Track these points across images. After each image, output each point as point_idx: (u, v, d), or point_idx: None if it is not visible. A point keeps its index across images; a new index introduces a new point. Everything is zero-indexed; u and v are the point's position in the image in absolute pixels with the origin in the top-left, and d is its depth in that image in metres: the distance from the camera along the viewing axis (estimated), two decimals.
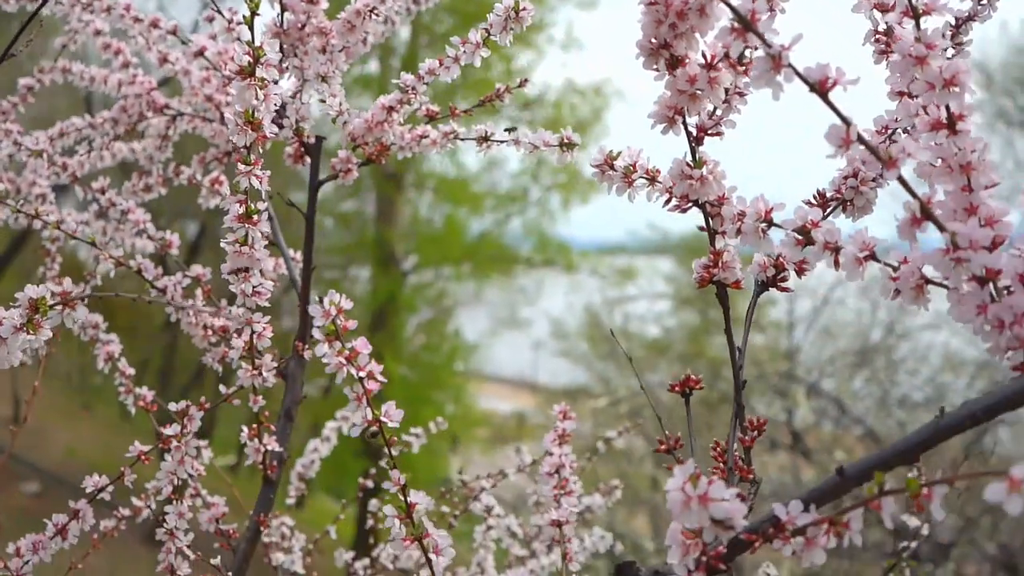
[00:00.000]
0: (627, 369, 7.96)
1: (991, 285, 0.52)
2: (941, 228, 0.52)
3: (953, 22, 0.74)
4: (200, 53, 1.08)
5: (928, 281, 0.54)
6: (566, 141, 0.85)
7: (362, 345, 0.63)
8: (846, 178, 0.69)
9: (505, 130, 0.93)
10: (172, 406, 0.89)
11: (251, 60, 0.71)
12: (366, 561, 1.34)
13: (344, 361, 0.63)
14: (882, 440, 6.11)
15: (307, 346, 0.95)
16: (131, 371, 1.11)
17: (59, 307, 0.65)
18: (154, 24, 1.11)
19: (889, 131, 0.69)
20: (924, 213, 0.52)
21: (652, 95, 0.63)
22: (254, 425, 0.97)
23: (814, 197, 0.70)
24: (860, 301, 7.16)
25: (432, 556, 0.65)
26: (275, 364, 0.92)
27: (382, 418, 0.64)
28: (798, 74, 0.50)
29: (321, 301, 0.62)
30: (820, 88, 0.51)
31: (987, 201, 0.54)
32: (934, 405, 6.68)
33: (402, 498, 0.65)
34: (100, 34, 1.20)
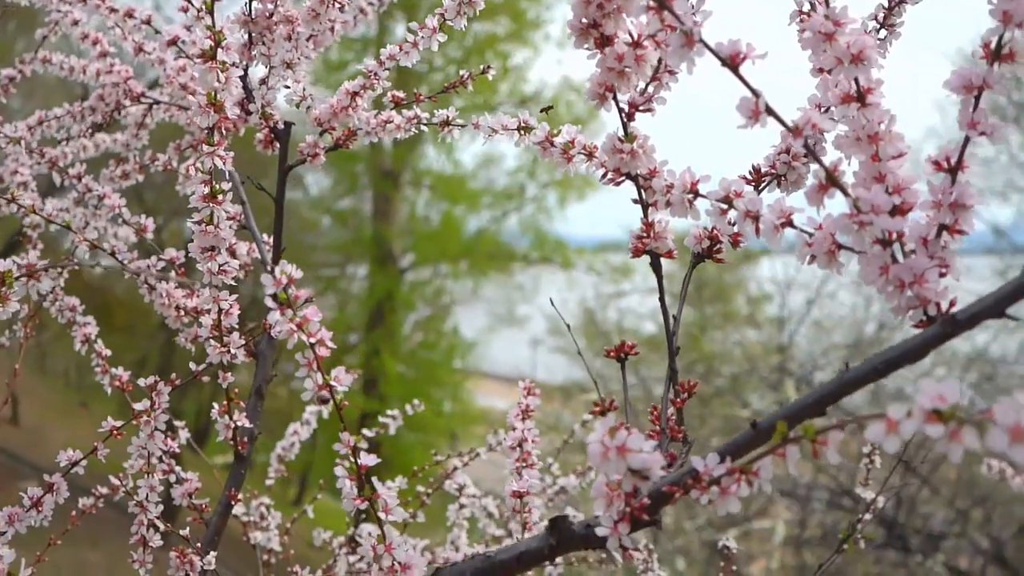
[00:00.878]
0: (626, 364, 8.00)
1: (895, 248, 0.55)
2: (846, 193, 0.55)
3: (886, 3, 0.77)
4: (173, 42, 1.10)
5: (840, 246, 0.57)
6: (523, 125, 0.88)
7: (312, 313, 0.66)
8: (779, 153, 0.72)
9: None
10: (141, 382, 0.92)
11: (212, 44, 0.73)
12: (341, 539, 1.37)
13: (295, 328, 0.66)
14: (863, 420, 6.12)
15: None
16: (107, 352, 1.13)
17: (24, 279, 0.68)
18: (129, 14, 1.14)
19: (821, 108, 0.72)
20: (830, 180, 0.55)
21: None
22: (224, 402, 1.00)
23: (749, 172, 0.73)
24: (854, 296, 7.20)
25: (382, 515, 0.68)
26: (243, 342, 0.95)
27: (332, 382, 0.67)
28: (709, 49, 0.53)
29: (273, 272, 0.65)
30: (731, 62, 0.54)
31: (895, 170, 0.57)
32: None
33: (352, 459, 0.68)
34: (78, 24, 1.23)
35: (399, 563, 0.67)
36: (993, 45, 0.55)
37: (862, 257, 0.56)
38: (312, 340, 0.66)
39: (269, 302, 0.65)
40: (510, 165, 11.13)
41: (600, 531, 0.57)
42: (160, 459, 0.98)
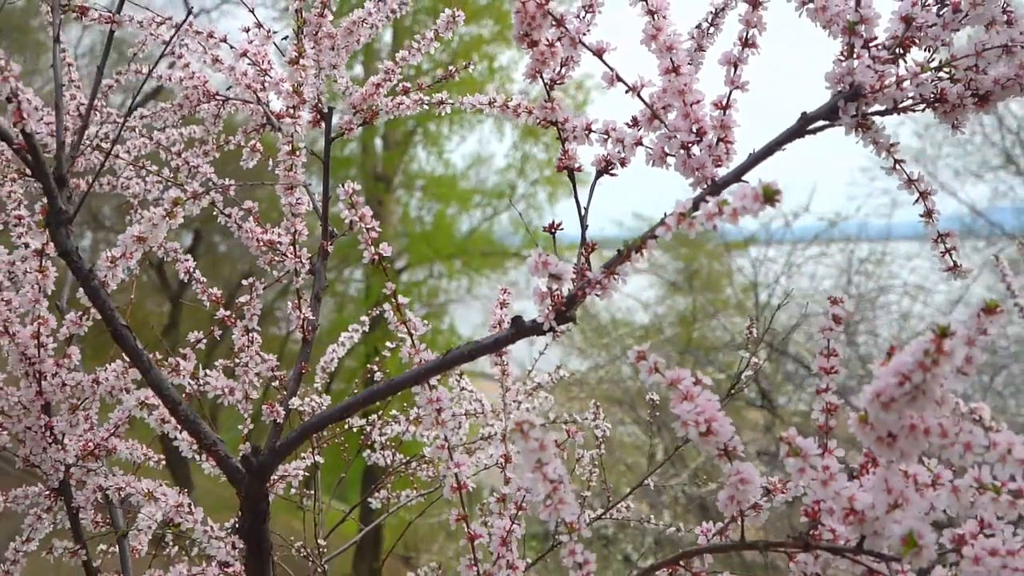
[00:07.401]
0: (620, 355, 8.51)
1: (692, 149, 1.00)
2: (662, 121, 1.00)
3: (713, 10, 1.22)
4: (244, 54, 1.55)
5: (667, 153, 1.03)
6: (492, 99, 1.33)
7: (367, 211, 1.11)
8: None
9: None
10: (244, 281, 1.37)
11: (297, 54, 1.19)
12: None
13: (358, 219, 1.11)
14: (845, 394, 6.66)
15: (330, 243, 1.43)
16: (204, 280, 1.58)
17: (191, 200, 1.13)
18: (210, 35, 1.58)
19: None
20: (653, 115, 1.00)
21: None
22: (295, 300, 1.44)
23: (631, 119, 1.18)
24: (838, 278, 7.73)
25: (412, 332, 1.13)
26: (310, 255, 1.40)
27: (380, 251, 1.12)
28: (584, 45, 0.99)
29: (343, 185, 1.10)
30: (598, 53, 0.99)
31: (695, 111, 1.02)
32: None
33: (394, 301, 1.13)
34: (167, 44, 1.67)
35: (423, 359, 1.12)
36: (744, 37, 1.00)
37: (675, 157, 1.01)
38: (368, 226, 1.11)
39: (341, 204, 1.10)
40: (499, 164, 11.59)
41: (538, 318, 1.02)
42: (251, 341, 1.43)
